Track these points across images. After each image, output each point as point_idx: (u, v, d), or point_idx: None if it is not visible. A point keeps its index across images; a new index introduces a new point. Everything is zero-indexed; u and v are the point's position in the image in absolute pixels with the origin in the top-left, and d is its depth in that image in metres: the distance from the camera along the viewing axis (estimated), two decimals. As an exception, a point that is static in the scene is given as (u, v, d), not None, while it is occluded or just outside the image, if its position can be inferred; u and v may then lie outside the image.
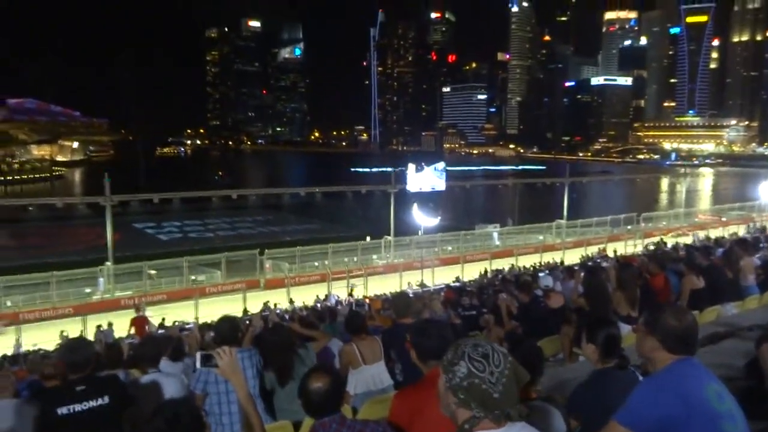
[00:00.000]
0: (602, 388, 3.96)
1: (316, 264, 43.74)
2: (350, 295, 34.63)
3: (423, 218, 49.85)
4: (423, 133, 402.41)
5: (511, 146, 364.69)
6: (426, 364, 3.66)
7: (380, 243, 46.92)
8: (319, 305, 28.31)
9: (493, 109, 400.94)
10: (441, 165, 57.88)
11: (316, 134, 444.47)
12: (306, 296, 33.55)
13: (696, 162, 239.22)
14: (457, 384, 2.29)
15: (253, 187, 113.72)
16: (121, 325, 24.61)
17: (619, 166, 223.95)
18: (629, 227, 55.91)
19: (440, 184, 56.78)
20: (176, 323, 24.74)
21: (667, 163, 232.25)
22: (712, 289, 8.84)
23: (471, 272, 38.47)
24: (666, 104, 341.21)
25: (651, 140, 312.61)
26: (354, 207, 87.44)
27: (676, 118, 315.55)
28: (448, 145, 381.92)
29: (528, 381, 3.55)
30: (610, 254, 36.28)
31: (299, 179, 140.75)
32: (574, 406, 4.00)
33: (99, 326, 25.60)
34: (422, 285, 36.23)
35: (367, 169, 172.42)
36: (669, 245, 32.13)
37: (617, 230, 55.26)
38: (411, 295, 18.29)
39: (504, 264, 41.30)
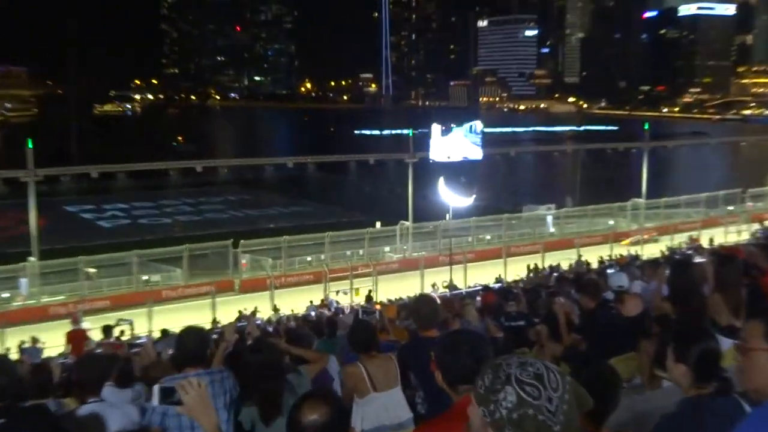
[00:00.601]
0: (696, 422, 3.94)
1: (309, 259, 44.12)
2: (354, 300, 34.81)
3: (452, 197, 49.91)
4: (451, 83, 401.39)
5: (571, 100, 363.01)
6: (456, 391, 3.66)
7: (395, 231, 47.08)
8: (313, 313, 28.44)
9: (546, 50, 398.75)
10: (476, 125, 57.69)
11: (308, 85, 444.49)
12: (296, 302, 33.84)
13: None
14: (503, 417, 2.27)
15: (224, 156, 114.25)
16: (52, 341, 24.89)
17: (718, 126, 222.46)
18: (731, 208, 55.68)
19: (475, 152, 56.68)
20: (122, 333, 25.00)
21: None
22: None
23: (517, 269, 38.60)
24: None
25: (761, 90, 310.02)
26: (359, 183, 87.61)
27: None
28: (485, 99, 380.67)
29: (597, 413, 3.51)
30: (706, 244, 36.13)
31: (285, 146, 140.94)
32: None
33: (21, 342, 25.91)
34: (451, 286, 36.37)
35: (377, 132, 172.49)
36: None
37: (715, 212, 55.05)
38: (437, 300, 18.36)
39: (562, 258, 41.30)
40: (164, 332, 24.14)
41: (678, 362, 4.19)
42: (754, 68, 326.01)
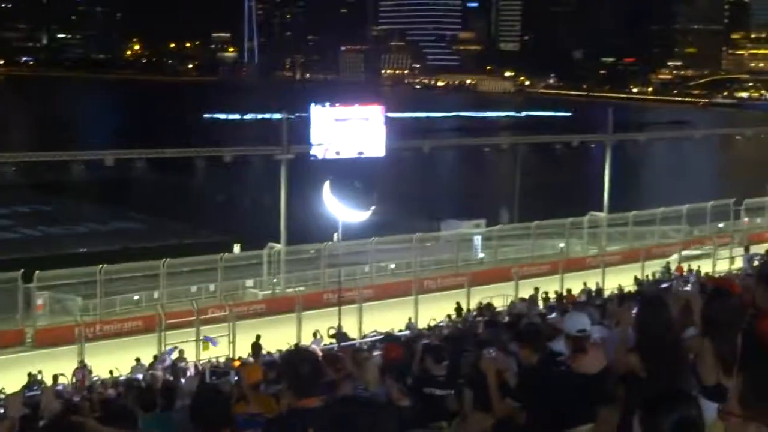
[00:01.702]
0: None
1: (137, 298, 43.37)
2: (202, 356, 34.34)
3: (342, 209, 49.90)
4: (342, 48, 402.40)
5: (508, 74, 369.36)
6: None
7: (261, 257, 46.75)
8: (140, 376, 27.98)
9: (474, 4, 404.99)
10: (377, 109, 58.04)
11: (136, 48, 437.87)
12: (117, 360, 33.29)
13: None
14: None
15: (9, 149, 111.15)
16: None
17: (705, 112, 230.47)
18: (722, 225, 57.73)
19: (375, 146, 56.97)
20: None
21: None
22: None
23: (433, 311, 38.83)
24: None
25: (762, 64, 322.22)
26: (210, 188, 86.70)
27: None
28: (390, 71, 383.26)
29: None
30: (689, 273, 37.33)
31: (102, 134, 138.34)
32: None
33: None
34: (340, 336, 36.35)
35: (237, 117, 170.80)
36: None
37: (700, 230, 56.96)
38: (319, 356, 18.28)
39: (494, 294, 41.83)
40: None
41: (647, 436, 4.28)
42: (753, 35, 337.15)
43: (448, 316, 37.83)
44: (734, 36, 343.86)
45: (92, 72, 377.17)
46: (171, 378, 25.61)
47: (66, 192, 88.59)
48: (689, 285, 24.74)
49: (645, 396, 4.69)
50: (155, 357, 33.89)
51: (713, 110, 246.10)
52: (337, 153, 54.76)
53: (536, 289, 40.85)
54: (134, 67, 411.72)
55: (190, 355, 34.77)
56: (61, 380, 30.63)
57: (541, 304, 39.08)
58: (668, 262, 46.95)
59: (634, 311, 9.80)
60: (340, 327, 38.02)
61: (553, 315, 22.78)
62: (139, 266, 43.66)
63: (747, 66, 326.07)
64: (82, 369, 32.16)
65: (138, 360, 32.97)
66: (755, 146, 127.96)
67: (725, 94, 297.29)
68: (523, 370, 9.38)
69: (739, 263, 39.76)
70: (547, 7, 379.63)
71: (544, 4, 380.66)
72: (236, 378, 11.58)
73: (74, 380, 30.93)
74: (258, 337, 36.81)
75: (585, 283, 42.74)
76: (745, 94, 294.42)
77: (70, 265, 43.56)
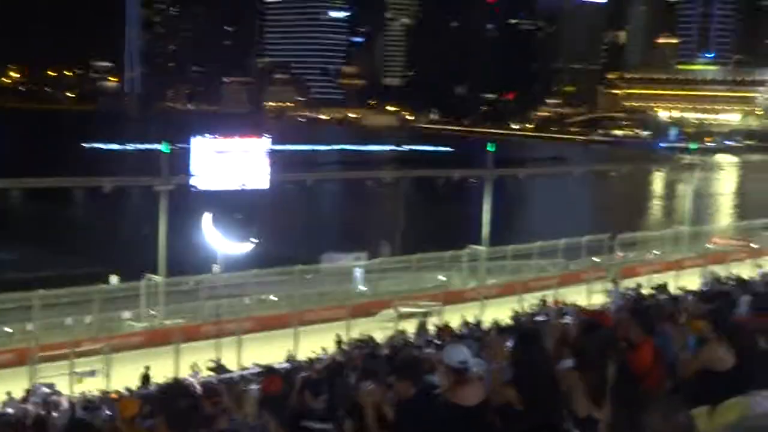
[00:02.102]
0: None
1: (10, 330, 42.38)
2: (75, 389, 33.71)
3: (222, 241, 49.57)
4: (226, 80, 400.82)
5: (391, 108, 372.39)
6: None
7: (138, 289, 46.10)
8: (10, 410, 27.39)
9: (358, 39, 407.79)
10: (262, 142, 57.85)
11: (14, 74, 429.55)
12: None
13: (711, 144, 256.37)
14: None
15: None
16: None
17: (582, 149, 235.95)
18: (597, 259, 58.95)
19: (257, 178, 56.76)
20: None
21: (662, 144, 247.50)
22: (739, 368, 9.45)
23: (313, 344, 38.76)
24: (662, 40, 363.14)
25: (635, 103, 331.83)
26: (88, 218, 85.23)
27: (679, 67, 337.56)
28: (273, 104, 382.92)
29: None
30: (564, 307, 37.91)
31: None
32: None
33: None
34: (219, 368, 36.06)
35: (117, 146, 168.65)
36: (660, 291, 34.16)
37: (576, 265, 58.05)
38: (197, 390, 18.09)
39: (373, 328, 41.92)
40: None
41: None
42: (627, 75, 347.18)
43: (330, 350, 37.80)
44: (610, 76, 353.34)
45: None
46: (43, 412, 25.00)
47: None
48: (566, 317, 25.14)
49: (519, 429, 4.74)
50: (27, 391, 33.09)
51: (591, 146, 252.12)
52: (219, 184, 54.37)
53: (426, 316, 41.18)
54: (10, 93, 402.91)
55: (64, 388, 34.08)
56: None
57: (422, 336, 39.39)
58: (544, 296, 47.65)
59: (510, 344, 9.91)
60: (219, 360, 37.70)
61: (429, 349, 22.86)
62: (12, 297, 42.53)
63: (621, 105, 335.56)
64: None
65: (9, 394, 32.13)
66: (628, 183, 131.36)
67: (601, 131, 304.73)
68: (401, 402, 9.37)
69: (611, 297, 40.63)
70: (432, 43, 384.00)
71: (428, 40, 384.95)
72: (108, 413, 11.32)
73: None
74: (147, 368, 36.40)
75: (463, 316, 43.06)
76: (620, 132, 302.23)
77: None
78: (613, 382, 7.93)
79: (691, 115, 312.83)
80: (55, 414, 24.42)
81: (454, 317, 43.17)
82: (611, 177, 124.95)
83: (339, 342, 38.88)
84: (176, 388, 8.41)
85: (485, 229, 58.81)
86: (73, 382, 35.45)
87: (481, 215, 59.95)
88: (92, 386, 35.22)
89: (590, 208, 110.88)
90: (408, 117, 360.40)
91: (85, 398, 30.52)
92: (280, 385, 15.53)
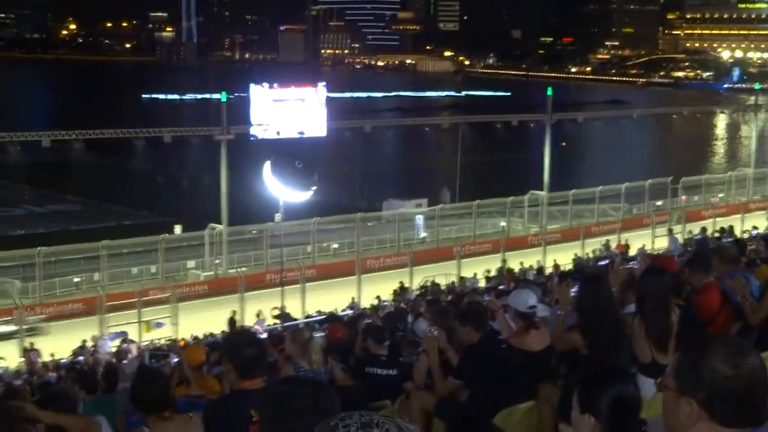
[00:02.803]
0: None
1: (77, 280, 42.98)
2: (144, 337, 34.20)
3: (284, 190, 49.75)
4: (281, 28, 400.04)
5: (448, 54, 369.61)
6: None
7: (202, 238, 46.52)
8: (82, 359, 27.79)
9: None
10: (318, 90, 57.84)
11: (72, 27, 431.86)
12: (58, 344, 33.05)
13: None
14: None
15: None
16: None
17: (642, 92, 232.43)
18: (659, 203, 58.33)
19: (316, 126, 56.84)
20: None
21: (725, 86, 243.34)
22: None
23: (376, 291, 38.91)
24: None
25: (696, 44, 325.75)
26: (150, 169, 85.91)
27: (741, 5, 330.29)
28: (329, 51, 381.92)
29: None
30: (627, 252, 37.71)
31: (38, 115, 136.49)
32: None
33: None
34: (283, 316, 36.34)
35: (176, 97, 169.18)
36: (725, 235, 33.81)
37: (638, 209, 57.50)
38: (261, 336, 18.27)
39: (437, 272, 42.00)
40: None
41: (585, 413, 4.34)
42: (688, 15, 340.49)
43: (394, 294, 37.96)
44: (670, 16, 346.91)
45: (26, 52, 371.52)
46: (113, 360, 25.42)
47: (2, 174, 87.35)
48: (630, 261, 24.99)
49: (583, 374, 4.75)
50: (97, 340, 33.61)
51: (651, 90, 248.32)
52: (278, 133, 54.54)
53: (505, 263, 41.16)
54: (69, 47, 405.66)
55: (131, 337, 34.57)
56: (1, 364, 30.37)
57: (483, 282, 39.41)
58: (607, 240, 47.39)
59: (574, 290, 9.89)
60: (283, 307, 38.00)
61: (484, 295, 22.84)
62: (79, 248, 43.20)
63: (682, 46, 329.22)
64: (33, 351, 31.82)
65: (84, 342, 32.67)
66: (691, 125, 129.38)
67: (662, 73, 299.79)
68: (465, 348, 9.41)
69: (680, 241, 40.20)
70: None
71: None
72: (177, 360, 11.47)
73: (25, 362, 30.64)
74: (234, 312, 36.84)
75: (522, 263, 42.97)
76: (681, 74, 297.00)
77: (7, 248, 43.01)
78: (679, 326, 7.90)
79: (754, 55, 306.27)
80: (124, 362, 24.83)
81: (517, 263, 43.12)
82: (673, 119, 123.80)
83: (402, 288, 38.98)
84: (242, 335, 8.49)
85: (546, 174, 58.35)
86: (140, 331, 35.94)
87: (541, 159, 59.51)
88: (159, 334, 35.77)
89: (652, 151, 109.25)
90: (464, 62, 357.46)
91: (153, 346, 30.93)
92: (344, 332, 15.66)
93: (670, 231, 44.40)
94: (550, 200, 56.86)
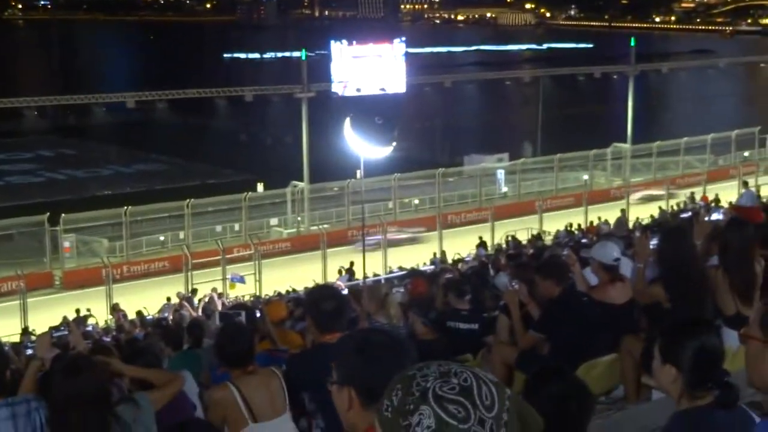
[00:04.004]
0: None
1: (162, 238, 43.66)
2: (229, 294, 34.79)
3: (364, 146, 49.85)
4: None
5: (529, 6, 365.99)
6: (370, 414, 3.67)
7: (284, 196, 46.88)
8: (167, 315, 28.19)
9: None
10: (396, 46, 57.69)
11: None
12: (145, 300, 33.61)
13: None
14: None
15: (31, 93, 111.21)
16: None
17: (729, 40, 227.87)
18: (746, 154, 57.33)
19: (396, 82, 56.76)
20: None
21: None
22: None
23: (458, 245, 38.95)
24: None
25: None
26: (232, 128, 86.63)
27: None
28: (408, 7, 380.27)
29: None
30: (711, 203, 37.15)
31: (122, 77, 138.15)
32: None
33: None
34: (365, 273, 36.53)
35: (256, 56, 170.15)
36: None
37: (725, 160, 56.61)
38: (343, 291, 18.38)
39: (518, 227, 41.88)
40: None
41: (666, 363, 4.32)
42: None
43: (476, 249, 37.95)
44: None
45: (110, 14, 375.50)
46: (197, 315, 25.77)
47: (89, 135, 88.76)
48: (716, 213, 24.61)
49: (666, 325, 4.72)
50: (183, 296, 34.10)
51: (738, 38, 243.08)
52: (358, 90, 54.58)
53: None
54: (151, 8, 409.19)
55: (216, 294, 35.02)
56: (90, 321, 30.94)
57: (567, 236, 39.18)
58: (692, 192, 46.71)
59: (653, 242, 9.79)
60: (364, 263, 38.13)
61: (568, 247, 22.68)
62: (164, 207, 43.93)
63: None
64: (119, 311, 32.41)
65: (168, 299, 33.22)
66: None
67: (749, 21, 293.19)
68: (547, 302, 9.40)
69: (764, 191, 39.45)
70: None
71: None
72: (259, 314, 11.60)
73: (112, 320, 31.21)
74: (351, 263, 37.18)
75: (599, 217, 42.53)
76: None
77: (95, 208, 43.81)
78: (764, 278, 7.79)
79: None
80: (210, 318, 25.18)
81: (598, 216, 42.78)
82: (761, 68, 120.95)
83: (483, 243, 38.95)
84: (323, 289, 8.54)
85: (629, 126, 57.69)
86: (225, 288, 36.39)
87: (624, 112, 58.80)
88: (243, 291, 36.16)
89: (739, 101, 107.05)
90: (546, 14, 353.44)
91: (237, 302, 31.25)
92: (426, 286, 15.70)
93: (745, 184, 43.50)
94: (634, 153, 56.25)
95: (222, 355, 6.65)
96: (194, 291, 34.97)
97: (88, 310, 32.87)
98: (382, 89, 55.33)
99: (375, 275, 35.98)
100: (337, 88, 54.00)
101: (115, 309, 32.86)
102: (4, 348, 5.82)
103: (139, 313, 30.76)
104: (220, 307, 28.93)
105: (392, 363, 3.42)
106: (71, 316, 31.36)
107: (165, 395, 6.75)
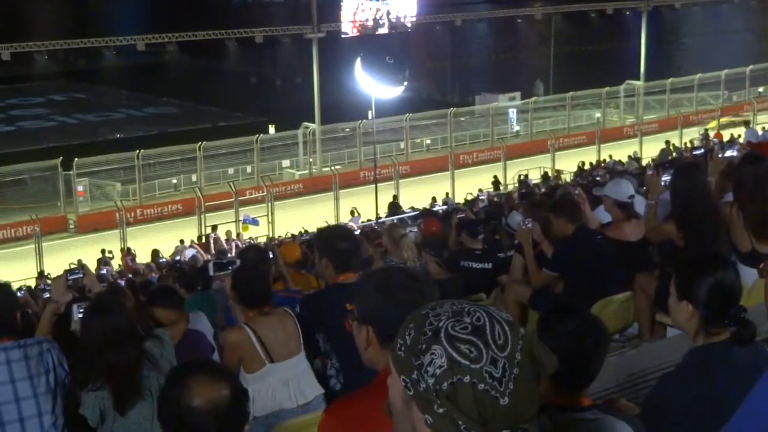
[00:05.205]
0: (704, 380, 4.10)
1: (175, 181, 43.77)
2: (243, 236, 35.02)
3: (375, 86, 49.67)
4: None
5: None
6: (387, 353, 3.65)
7: (296, 137, 46.83)
8: (180, 258, 28.37)
9: None
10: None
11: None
12: (158, 242, 33.82)
13: None
14: (429, 389, 2.26)
15: (41, 37, 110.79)
16: None
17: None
18: (761, 89, 56.95)
19: (406, 21, 56.36)
20: None
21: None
22: None
23: (471, 184, 38.94)
24: None
25: None
26: (242, 70, 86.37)
27: None
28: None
29: (573, 378, 3.61)
30: (725, 138, 36.96)
31: (131, 18, 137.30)
32: (656, 414, 4.14)
33: None
34: (377, 214, 36.58)
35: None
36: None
37: (739, 96, 56.23)
38: (356, 232, 18.40)
39: (531, 166, 41.81)
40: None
41: (682, 300, 4.31)
42: None
43: (492, 184, 38.03)
44: None
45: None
46: (210, 258, 25.85)
47: (100, 79, 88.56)
48: (730, 150, 24.47)
49: (680, 261, 4.70)
50: (199, 239, 34.30)
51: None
52: (368, 28, 54.20)
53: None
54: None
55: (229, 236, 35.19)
56: (109, 265, 31.15)
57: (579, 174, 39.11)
58: (707, 129, 46.50)
59: (665, 178, 9.73)
60: (377, 205, 38.21)
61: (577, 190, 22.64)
62: (176, 150, 43.99)
63: None
64: (129, 255, 32.61)
65: (182, 241, 33.38)
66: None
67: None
68: (560, 240, 9.37)
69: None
70: None
71: None
72: (272, 254, 11.59)
73: (122, 264, 31.43)
74: (395, 197, 37.25)
75: (610, 156, 42.39)
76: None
77: (107, 152, 43.87)
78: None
79: None
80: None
81: (613, 154, 42.65)
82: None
83: (496, 182, 38.94)
84: (336, 229, 8.54)
85: (642, 63, 57.24)
86: (238, 230, 36.52)
87: (637, 48, 58.32)
88: (256, 233, 36.29)
89: (754, 37, 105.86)
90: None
91: (250, 245, 31.44)
92: (439, 226, 15.68)
93: (747, 123, 43.15)
94: (647, 90, 55.94)
95: (239, 295, 6.63)
96: (214, 227, 35.22)
97: (110, 252, 33.11)
98: (393, 29, 54.96)
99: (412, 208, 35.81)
100: (346, 28, 53.68)
101: (125, 253, 33.10)
102: (12, 291, 5.84)
103: (153, 254, 30.93)
104: (234, 250, 29.06)
105: (411, 303, 3.40)
106: (86, 259, 31.52)
107: (177, 331, 6.83)
